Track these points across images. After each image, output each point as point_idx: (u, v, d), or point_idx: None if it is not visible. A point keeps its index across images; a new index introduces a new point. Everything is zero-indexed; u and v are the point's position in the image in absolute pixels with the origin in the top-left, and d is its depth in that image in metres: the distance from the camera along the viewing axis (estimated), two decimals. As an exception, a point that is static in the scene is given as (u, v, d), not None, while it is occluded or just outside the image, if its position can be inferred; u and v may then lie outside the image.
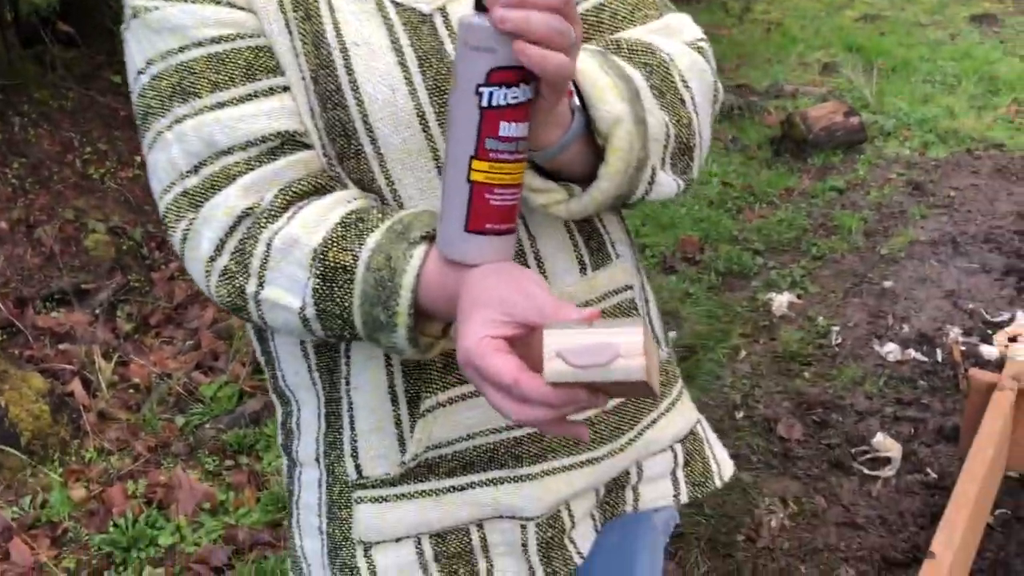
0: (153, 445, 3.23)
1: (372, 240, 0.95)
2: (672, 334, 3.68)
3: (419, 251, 0.93)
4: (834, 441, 3.03)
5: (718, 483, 1.37)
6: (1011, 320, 3.53)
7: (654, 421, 1.29)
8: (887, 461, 2.88)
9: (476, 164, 0.86)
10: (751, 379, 3.42)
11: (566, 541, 1.22)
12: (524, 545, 1.19)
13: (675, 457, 1.32)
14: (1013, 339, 3.38)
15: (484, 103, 0.83)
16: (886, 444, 2.90)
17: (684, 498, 1.34)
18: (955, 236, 4.38)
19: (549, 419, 0.85)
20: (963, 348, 3.41)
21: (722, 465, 1.40)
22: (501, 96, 0.83)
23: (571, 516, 1.22)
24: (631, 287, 1.21)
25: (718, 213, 4.89)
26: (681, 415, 1.35)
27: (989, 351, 3.34)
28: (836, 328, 3.70)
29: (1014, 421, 2.67)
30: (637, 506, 1.29)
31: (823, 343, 3.62)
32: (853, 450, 2.97)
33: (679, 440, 1.33)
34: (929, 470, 2.84)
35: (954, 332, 3.51)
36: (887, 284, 4.02)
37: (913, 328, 3.66)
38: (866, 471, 2.88)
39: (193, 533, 2.77)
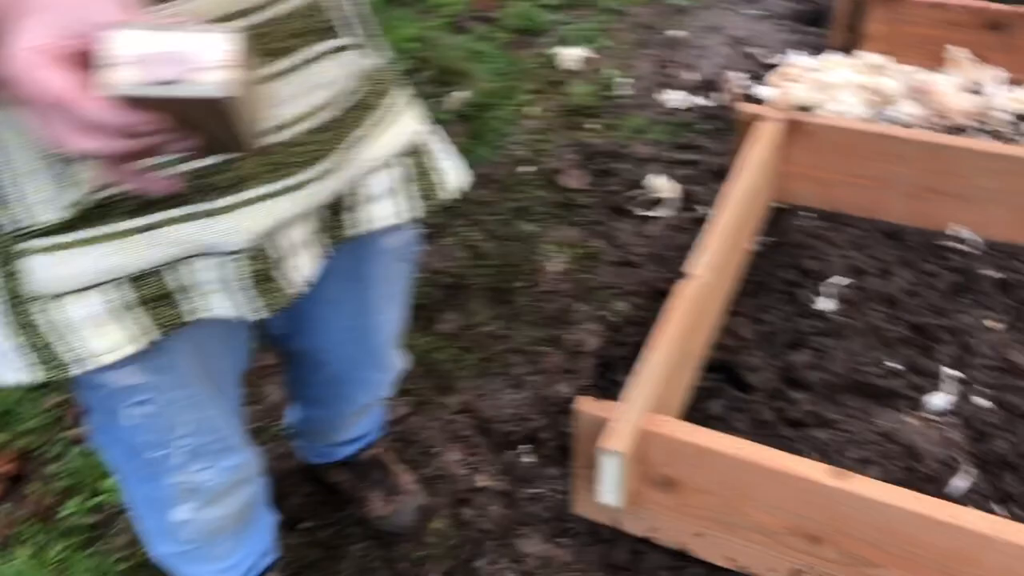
0: None
1: None
2: (462, 94, 3.54)
3: None
4: (615, 188, 3.05)
5: (443, 195, 1.30)
6: (788, 61, 3.58)
7: (364, 137, 1.18)
8: (663, 202, 2.93)
9: None
10: (538, 134, 3.36)
11: (286, 271, 1.12)
12: (236, 280, 1.09)
13: (396, 173, 1.23)
14: (789, 79, 3.44)
15: None
16: (660, 185, 2.94)
17: (408, 214, 1.26)
18: (745, -16, 4.35)
19: (114, 150, 0.72)
20: (740, 92, 3.45)
21: (448, 176, 1.32)
22: None
23: (291, 245, 1.13)
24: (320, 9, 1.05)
25: (513, -30, 4.65)
26: (397, 129, 1.24)
27: (765, 92, 3.39)
28: (624, 79, 3.66)
29: (778, 152, 2.74)
30: (360, 228, 1.22)
31: (610, 95, 3.58)
32: (631, 193, 3.00)
33: (399, 155, 1.23)
34: (703, 207, 2.91)
35: (734, 75, 3.53)
36: (676, 34, 3.98)
37: (698, 75, 3.67)
38: (643, 212, 2.92)
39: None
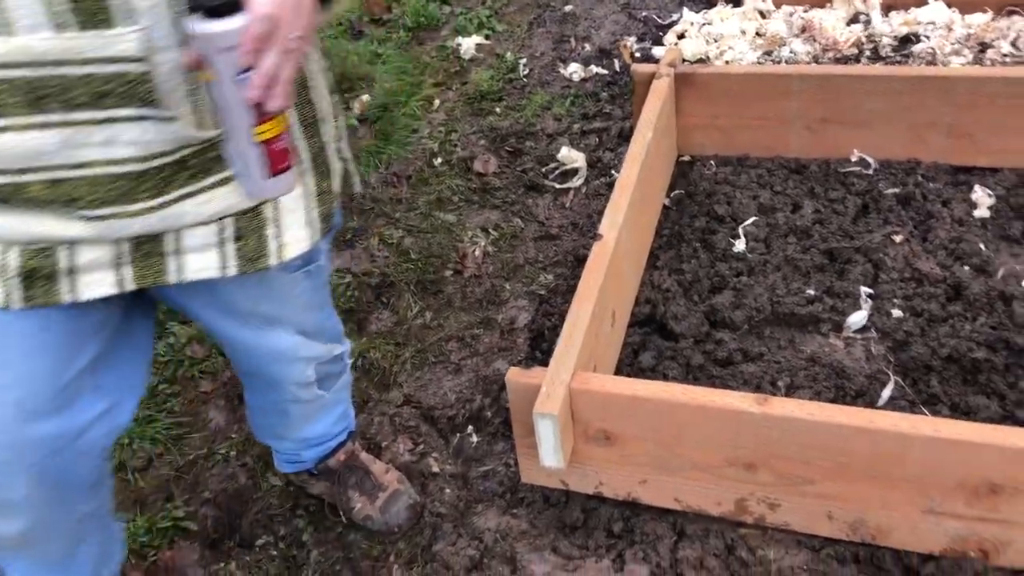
0: None
1: None
2: (366, 97, 3.55)
3: None
4: (528, 166, 3.10)
5: (273, 261, 1.33)
6: (679, 20, 3.66)
7: (194, 194, 1.23)
8: (575, 172, 2.98)
9: (258, 129, 1.11)
10: (446, 125, 3.39)
11: (74, 280, 1.23)
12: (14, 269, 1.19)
13: (222, 231, 1.28)
14: (681, 36, 3.52)
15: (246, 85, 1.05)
16: (571, 156, 2.99)
17: (232, 271, 1.31)
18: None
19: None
20: (637, 54, 3.52)
21: (285, 247, 1.34)
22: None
23: (83, 261, 1.22)
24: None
25: (401, -31, 4.66)
26: (236, 194, 1.26)
27: (660, 52, 3.46)
28: (523, 60, 3.71)
29: (677, 107, 2.81)
30: (181, 276, 1.28)
31: (512, 77, 3.63)
32: (544, 169, 3.05)
33: (229, 215, 1.28)
34: (613, 172, 2.96)
35: (629, 40, 3.60)
36: (568, 8, 4.03)
37: (594, 46, 3.73)
38: (557, 186, 2.97)
39: None
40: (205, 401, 2.35)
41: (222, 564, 1.94)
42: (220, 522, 2.03)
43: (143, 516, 2.05)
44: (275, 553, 1.95)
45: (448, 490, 2.05)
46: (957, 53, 3.09)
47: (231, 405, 2.32)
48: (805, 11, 3.45)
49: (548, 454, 1.75)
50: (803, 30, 3.36)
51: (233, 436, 2.24)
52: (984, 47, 3.12)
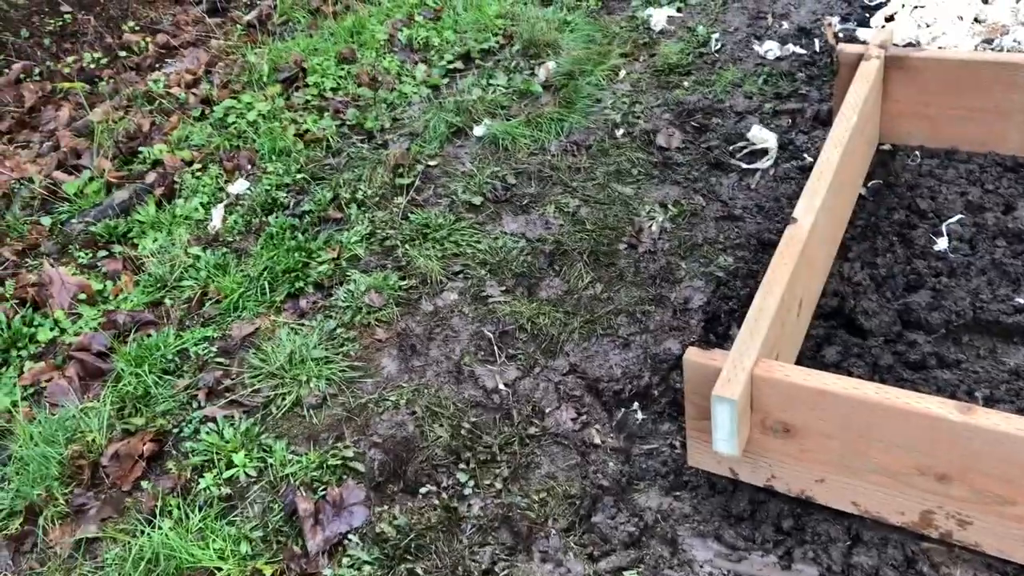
0: (21, 249, 3.08)
1: None
2: (552, 64, 3.54)
3: None
4: (713, 143, 3.00)
5: None
6: (888, 1, 3.44)
7: None
8: (764, 153, 2.87)
9: None
10: (631, 96, 3.33)
11: None
12: None
13: None
14: (890, 18, 3.31)
15: None
16: (761, 135, 2.87)
17: None
18: (837, -73, 4.19)
19: None
20: (841, 35, 3.33)
21: None
22: None
23: None
24: None
25: (595, -63, 4.61)
26: None
27: (866, 34, 3.27)
28: (716, 35, 3.59)
29: (884, 91, 2.64)
30: None
31: (703, 51, 3.52)
32: (731, 148, 2.94)
33: None
34: (806, 155, 2.83)
35: (832, 19, 3.41)
36: (767, -16, 3.87)
37: (793, 24, 3.56)
38: (744, 165, 2.86)
39: (73, 325, 2.69)
40: (379, 349, 2.42)
41: (386, 507, 1.99)
42: (386, 466, 2.08)
43: (315, 451, 2.13)
44: (437, 503, 1.98)
45: (611, 463, 2.03)
46: None
47: (403, 355, 2.38)
48: (1035, -3, 3.17)
49: (722, 440, 1.70)
50: (1031, 18, 3.09)
51: (403, 385, 2.29)
52: None
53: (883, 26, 3.24)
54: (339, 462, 2.09)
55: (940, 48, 3.04)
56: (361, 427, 2.19)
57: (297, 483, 2.06)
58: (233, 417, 2.27)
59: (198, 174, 3.28)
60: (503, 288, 2.56)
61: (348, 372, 2.34)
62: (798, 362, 2.08)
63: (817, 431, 1.69)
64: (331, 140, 3.33)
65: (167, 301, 2.72)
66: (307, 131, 3.40)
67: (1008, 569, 1.65)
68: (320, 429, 2.21)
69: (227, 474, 2.12)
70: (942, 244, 2.33)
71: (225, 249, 2.88)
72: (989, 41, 3.06)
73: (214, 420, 2.26)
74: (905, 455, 1.63)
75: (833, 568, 1.70)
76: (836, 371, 2.03)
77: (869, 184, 2.60)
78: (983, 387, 1.96)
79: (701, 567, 1.76)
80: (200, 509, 2.05)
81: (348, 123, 3.43)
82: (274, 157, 3.28)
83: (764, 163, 2.84)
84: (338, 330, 2.47)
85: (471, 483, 2.02)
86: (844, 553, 1.72)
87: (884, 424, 1.61)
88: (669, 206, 2.77)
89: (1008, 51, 2.98)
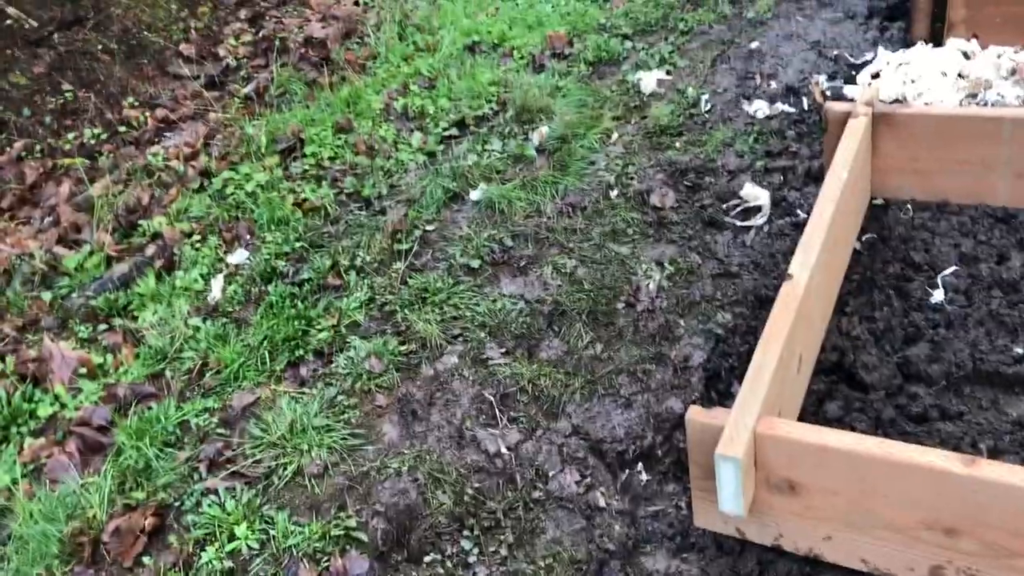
0: (21, 324, 3.09)
1: None
2: (545, 129, 3.60)
3: None
4: (707, 202, 3.03)
5: None
6: (873, 59, 3.51)
7: None
8: (758, 210, 2.90)
9: None
10: (624, 158, 3.38)
11: None
12: None
13: None
14: (876, 76, 3.37)
15: None
16: (754, 193, 2.91)
17: None
18: (819, -11, 4.30)
19: None
20: (828, 93, 3.40)
21: None
22: None
23: None
24: None
25: (584, 4, 4.73)
26: None
27: (853, 91, 3.33)
28: (705, 96, 3.65)
29: (873, 147, 2.68)
30: None
31: (693, 112, 3.58)
32: (725, 205, 2.98)
33: None
34: (799, 211, 2.86)
35: (819, 78, 3.48)
36: (754, 46, 3.95)
37: (781, 83, 3.64)
38: (738, 223, 2.90)
39: (73, 399, 2.68)
40: (380, 415, 2.41)
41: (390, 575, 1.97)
42: (389, 535, 2.06)
43: (318, 522, 2.11)
44: (441, 571, 1.96)
45: (616, 526, 2.01)
46: None
47: (404, 420, 2.37)
48: (1016, 52, 3.24)
49: (728, 499, 1.69)
50: (1013, 72, 3.15)
51: (405, 451, 2.28)
52: None
53: (869, 83, 3.31)
54: (342, 532, 2.07)
55: (926, 104, 3.09)
56: (363, 495, 2.18)
57: (300, 555, 2.04)
58: (235, 489, 2.25)
59: (197, 245, 3.30)
60: (503, 350, 2.56)
61: (349, 440, 2.33)
62: (801, 418, 2.08)
63: (821, 488, 1.68)
64: (329, 208, 3.37)
65: (167, 373, 2.72)
66: (305, 200, 3.44)
67: (1022, 624, 1.62)
68: (322, 499, 2.19)
69: (229, 547, 2.10)
70: (938, 296, 2.35)
71: (225, 319, 2.89)
72: (974, 95, 3.12)
73: (216, 492, 2.25)
74: (911, 510, 1.62)
75: (845, 628, 1.68)
76: (839, 426, 2.03)
77: (863, 238, 2.62)
78: (987, 438, 1.95)
79: (711, 631, 1.74)
80: (202, 584, 2.02)
81: (346, 191, 3.47)
82: (273, 226, 3.31)
83: (758, 220, 2.87)
84: (339, 397, 2.47)
85: (475, 550, 2.00)
86: (855, 612, 1.70)
87: (888, 479, 1.60)
88: (666, 264, 2.79)
89: (992, 105, 3.03)
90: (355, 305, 2.80)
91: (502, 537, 2.02)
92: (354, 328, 2.73)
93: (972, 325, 2.24)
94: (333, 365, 2.60)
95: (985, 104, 3.06)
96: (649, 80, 3.81)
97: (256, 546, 2.09)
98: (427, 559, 1.99)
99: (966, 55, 3.33)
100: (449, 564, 1.98)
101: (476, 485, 2.16)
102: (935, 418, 2.03)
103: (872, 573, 1.74)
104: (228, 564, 2.06)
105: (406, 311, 2.75)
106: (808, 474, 1.68)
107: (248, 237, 3.32)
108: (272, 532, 2.11)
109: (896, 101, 3.15)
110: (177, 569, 2.07)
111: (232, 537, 2.12)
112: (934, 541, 1.63)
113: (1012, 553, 1.57)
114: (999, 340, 2.18)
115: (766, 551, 1.84)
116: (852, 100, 3.20)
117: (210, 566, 2.06)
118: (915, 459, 1.57)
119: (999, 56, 3.25)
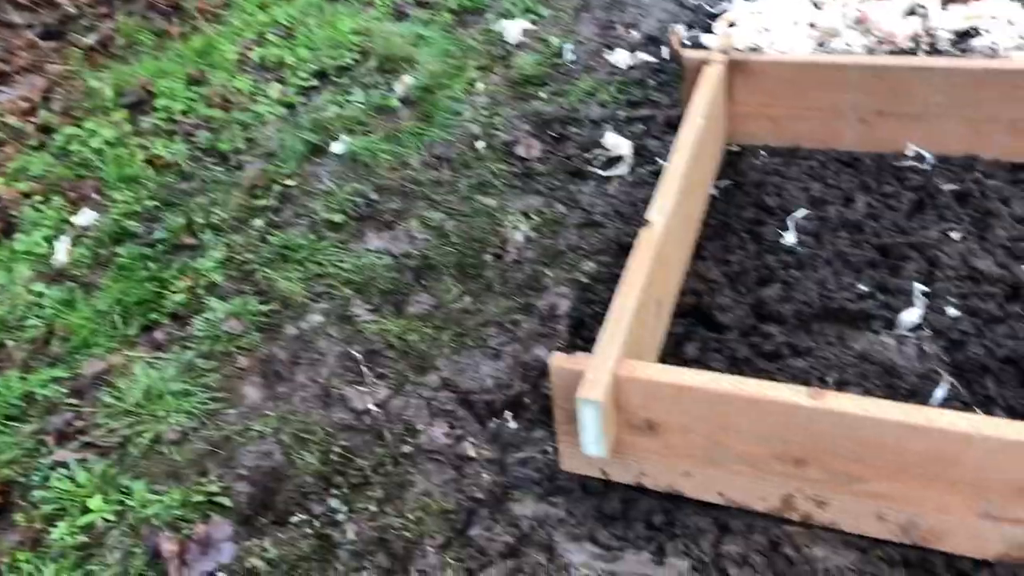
0: None
1: None
2: (409, 79, 3.52)
3: None
4: (571, 152, 3.05)
5: None
6: (730, 8, 3.58)
7: None
8: (620, 159, 2.93)
9: None
10: (489, 108, 3.35)
11: None
12: None
13: None
14: (731, 25, 3.45)
15: None
16: (616, 142, 2.93)
17: None
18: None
19: None
20: (687, 42, 3.45)
21: None
22: None
23: None
24: None
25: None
26: None
27: (710, 40, 3.39)
28: (569, 46, 3.65)
29: (728, 94, 2.74)
30: None
31: (557, 62, 3.57)
32: (588, 155, 3.00)
33: None
34: (659, 159, 2.91)
35: (677, 27, 3.53)
36: (616, -5, 3.97)
37: (642, 32, 3.67)
38: (601, 172, 2.92)
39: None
40: (241, 377, 2.34)
41: (255, 540, 1.92)
42: (254, 498, 2.01)
43: (178, 489, 2.04)
44: (309, 531, 1.93)
45: (485, 475, 2.02)
46: (1021, 48, 2.99)
47: (267, 382, 2.31)
48: (860, 2, 3.37)
49: (590, 442, 1.71)
50: (858, 22, 3.28)
51: (269, 413, 2.22)
52: (1047, 43, 3.02)
53: (726, 33, 3.38)
54: (204, 498, 2.01)
55: (779, 52, 3.19)
56: (226, 460, 2.11)
57: (160, 524, 1.96)
58: (87, 460, 2.14)
59: (39, 206, 3.09)
60: (370, 307, 2.52)
61: (209, 404, 2.25)
62: (661, 360, 2.13)
63: (680, 426, 1.73)
64: (183, 164, 3.21)
65: (9, 343, 2.55)
66: (157, 156, 3.27)
67: (863, 544, 1.73)
68: (182, 465, 2.11)
69: (83, 521, 2.00)
70: (790, 239, 2.43)
71: (72, 284, 2.73)
72: (822, 44, 3.23)
73: (66, 465, 2.13)
74: (763, 443, 1.68)
75: (703, 559, 1.74)
76: (696, 366, 2.08)
77: (719, 184, 2.69)
78: (833, 372, 2.05)
79: (577, 570, 1.77)
80: (54, 561, 1.92)
81: (200, 146, 3.31)
82: (122, 185, 3.13)
83: (620, 169, 2.90)
84: (197, 361, 2.37)
85: (344, 508, 1.97)
86: (713, 543, 1.77)
87: (741, 414, 1.66)
88: (532, 215, 2.79)
89: (840, 53, 3.15)
90: (212, 265, 2.69)
91: (371, 493, 2.00)
92: (212, 289, 2.62)
93: (820, 265, 2.34)
94: (190, 328, 2.49)
95: (833, 52, 3.17)
96: (513, 29, 3.78)
97: (113, 518, 2.00)
98: (294, 520, 1.95)
99: (816, 5, 3.44)
100: (317, 524, 1.94)
101: (344, 443, 2.12)
102: (787, 355, 2.11)
103: (728, 505, 1.81)
104: (82, 539, 1.96)
105: (267, 270, 2.66)
106: (666, 413, 1.72)
107: (96, 196, 3.13)
108: (129, 503, 2.02)
109: (751, 50, 3.24)
110: (25, 548, 1.96)
111: (86, 510, 2.02)
112: (784, 471, 1.70)
113: (855, 478, 1.65)
114: (845, 278, 2.29)
115: (630, 490, 1.89)
116: (708, 49, 3.26)
117: (62, 542, 1.96)
118: (765, 394, 1.63)
119: (845, 6, 3.37)
